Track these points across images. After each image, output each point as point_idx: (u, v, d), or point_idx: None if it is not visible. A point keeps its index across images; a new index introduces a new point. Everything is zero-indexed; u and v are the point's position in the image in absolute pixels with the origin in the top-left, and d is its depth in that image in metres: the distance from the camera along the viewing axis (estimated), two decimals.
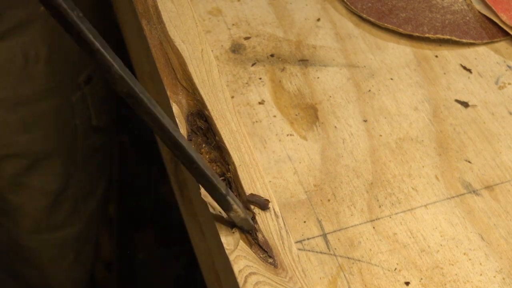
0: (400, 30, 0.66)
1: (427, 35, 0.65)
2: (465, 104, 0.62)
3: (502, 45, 0.67)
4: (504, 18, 0.64)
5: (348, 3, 0.69)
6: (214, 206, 0.47)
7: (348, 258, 0.51)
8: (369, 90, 0.62)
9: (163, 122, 0.41)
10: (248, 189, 0.47)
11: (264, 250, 0.46)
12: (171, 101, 0.52)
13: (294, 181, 0.56)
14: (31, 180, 0.93)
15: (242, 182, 0.48)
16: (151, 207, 1.29)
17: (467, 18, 0.66)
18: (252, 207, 0.47)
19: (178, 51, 0.55)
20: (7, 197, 0.94)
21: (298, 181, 0.56)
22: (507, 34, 0.66)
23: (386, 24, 0.66)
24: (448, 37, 0.65)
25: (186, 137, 0.51)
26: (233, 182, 0.49)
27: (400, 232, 0.53)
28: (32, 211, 0.96)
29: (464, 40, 0.65)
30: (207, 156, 0.50)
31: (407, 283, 0.50)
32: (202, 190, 0.48)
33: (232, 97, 0.61)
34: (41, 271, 1.02)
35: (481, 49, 0.66)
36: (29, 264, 1.01)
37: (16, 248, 0.99)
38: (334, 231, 0.53)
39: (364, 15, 0.67)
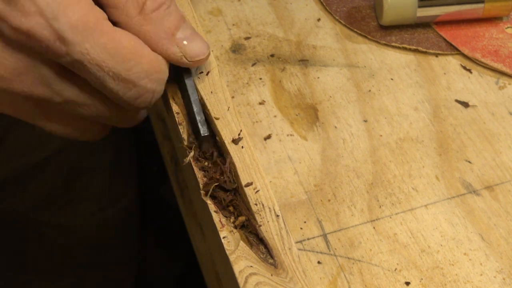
0: (369, 36, 0.66)
1: (393, 44, 0.65)
2: (465, 104, 0.62)
3: None
4: (466, 51, 0.64)
5: (324, 4, 0.69)
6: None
7: (348, 258, 0.51)
8: (369, 90, 0.62)
9: None
10: (249, 189, 0.47)
11: (264, 251, 0.46)
12: (171, 101, 0.52)
13: (294, 181, 0.56)
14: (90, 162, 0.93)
15: (243, 182, 0.48)
16: (151, 207, 1.29)
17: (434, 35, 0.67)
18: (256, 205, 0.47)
19: None
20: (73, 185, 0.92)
21: (298, 181, 0.56)
22: None
23: (355, 29, 0.67)
24: (415, 47, 0.65)
25: (186, 137, 0.51)
26: (233, 183, 0.49)
27: (400, 232, 0.53)
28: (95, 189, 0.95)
29: (431, 51, 0.65)
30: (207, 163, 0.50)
31: (407, 283, 0.50)
32: (203, 191, 0.48)
33: (232, 97, 0.61)
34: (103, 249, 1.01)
35: None
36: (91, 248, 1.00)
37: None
38: (334, 231, 0.53)
39: (337, 17, 0.68)
